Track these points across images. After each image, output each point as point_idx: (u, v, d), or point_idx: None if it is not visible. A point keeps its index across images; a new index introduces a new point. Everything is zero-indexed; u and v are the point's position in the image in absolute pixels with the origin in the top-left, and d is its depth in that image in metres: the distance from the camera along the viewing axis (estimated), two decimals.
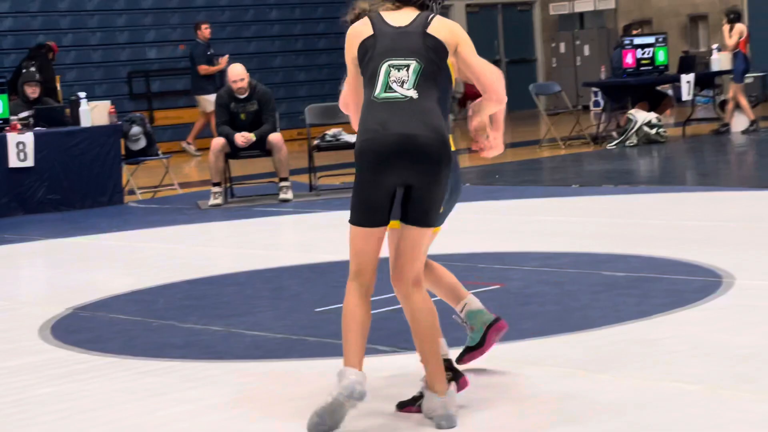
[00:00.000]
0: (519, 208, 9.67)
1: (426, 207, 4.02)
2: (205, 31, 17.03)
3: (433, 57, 4.05)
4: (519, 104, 23.13)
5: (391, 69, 4.02)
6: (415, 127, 3.96)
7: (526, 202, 9.94)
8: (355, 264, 4.06)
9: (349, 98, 4.27)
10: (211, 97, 16.80)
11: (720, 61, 15.93)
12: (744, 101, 15.17)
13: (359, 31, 4.13)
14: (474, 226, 8.71)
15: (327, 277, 7.04)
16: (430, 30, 4.07)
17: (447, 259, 6.83)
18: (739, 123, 15.29)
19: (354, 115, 4.24)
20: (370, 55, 4.06)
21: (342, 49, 4.30)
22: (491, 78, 4.15)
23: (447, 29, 4.11)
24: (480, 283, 6.35)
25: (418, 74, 4.02)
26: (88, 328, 5.96)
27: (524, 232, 8.35)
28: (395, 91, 4.00)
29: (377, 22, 4.11)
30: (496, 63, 23.59)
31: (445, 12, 23.28)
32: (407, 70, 4.02)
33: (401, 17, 4.12)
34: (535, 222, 8.87)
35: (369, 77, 4.06)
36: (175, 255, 8.43)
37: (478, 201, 9.91)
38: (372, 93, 4.03)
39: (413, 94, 4.00)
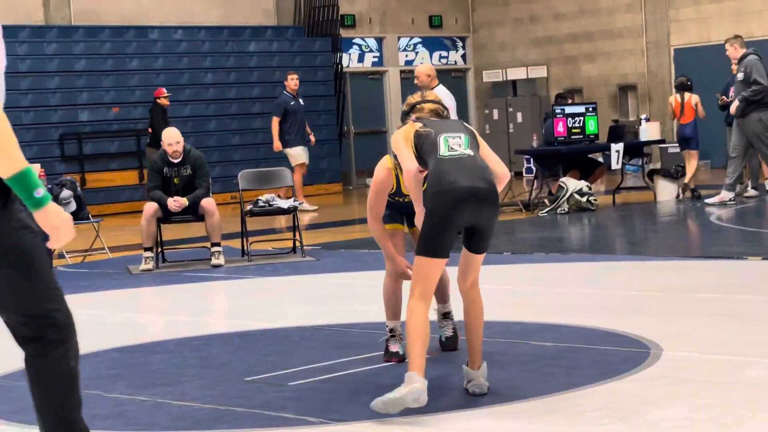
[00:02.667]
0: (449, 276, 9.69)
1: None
2: (291, 82, 16.93)
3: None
4: None
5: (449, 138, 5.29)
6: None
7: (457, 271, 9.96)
8: (422, 288, 5.15)
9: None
10: (294, 150, 16.85)
11: (648, 130, 16.22)
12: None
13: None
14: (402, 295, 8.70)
15: (257, 346, 7.00)
16: None
17: (374, 328, 6.86)
18: (666, 192, 15.54)
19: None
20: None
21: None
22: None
23: None
24: None
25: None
26: (10, 398, 5.86)
27: (454, 300, 8.36)
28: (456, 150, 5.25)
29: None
30: None
31: (379, 77, 23.48)
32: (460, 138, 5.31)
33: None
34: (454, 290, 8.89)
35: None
36: (103, 321, 8.33)
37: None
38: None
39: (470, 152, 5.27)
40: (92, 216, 12.57)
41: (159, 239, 11.20)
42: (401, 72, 23.63)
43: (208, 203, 11.00)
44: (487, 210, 5.19)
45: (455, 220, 5.13)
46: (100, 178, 18.84)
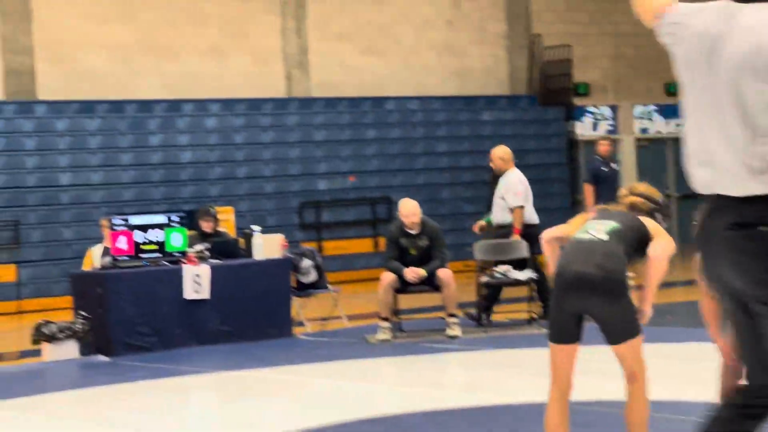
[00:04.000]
0: (697, 353, 9.38)
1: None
2: (600, 147, 16.17)
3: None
4: (690, 239, 22.73)
5: None
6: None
7: (705, 346, 9.64)
8: (553, 377, 5.13)
9: None
10: None
11: None
12: None
13: None
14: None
15: (497, 421, 6.95)
16: None
17: (614, 406, 6.68)
18: None
19: None
20: None
21: None
22: None
23: None
24: None
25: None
26: None
27: (707, 379, 8.08)
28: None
29: None
30: (666, 197, 23.25)
31: (614, 145, 23.19)
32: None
33: None
34: (709, 369, 8.59)
35: None
36: (342, 392, 8.45)
37: (650, 343, 9.68)
38: None
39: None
40: (330, 284, 12.81)
41: (396, 309, 11.32)
42: (636, 140, 23.29)
43: (444, 274, 11.06)
44: (597, 297, 4.99)
45: (565, 304, 5.03)
46: (337, 245, 19.27)
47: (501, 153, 12.22)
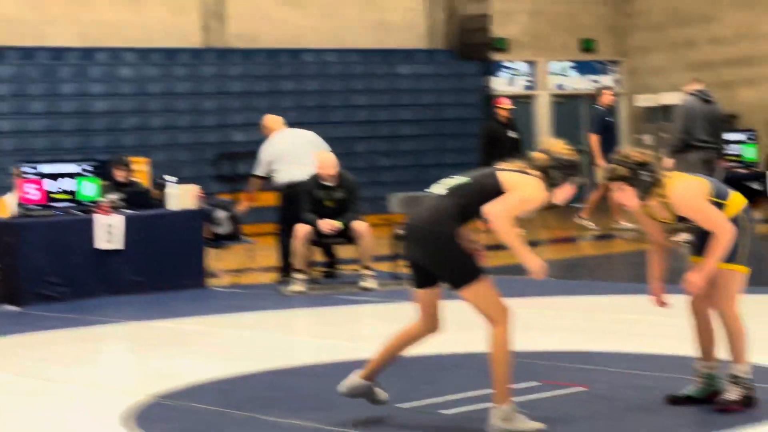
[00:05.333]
0: (602, 305, 9.54)
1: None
2: (604, 97, 16.05)
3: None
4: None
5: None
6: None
7: (610, 299, 9.80)
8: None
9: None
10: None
11: None
12: None
13: None
14: (556, 323, 8.63)
15: (408, 372, 6.99)
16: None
17: (528, 357, 6.79)
18: None
19: None
20: None
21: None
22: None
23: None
24: (563, 384, 6.27)
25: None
26: (171, 417, 5.97)
27: (610, 331, 8.22)
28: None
29: None
30: (580, 152, 23.48)
31: (528, 102, 23.34)
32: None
33: None
34: (621, 321, 8.75)
35: None
36: (257, 343, 8.44)
37: (559, 296, 9.83)
38: None
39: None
40: (245, 236, 12.72)
41: (311, 261, 11.30)
42: (552, 96, 23.46)
43: (360, 226, 11.07)
44: (421, 248, 5.37)
45: (404, 253, 5.59)
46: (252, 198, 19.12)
47: (265, 121, 12.62)
